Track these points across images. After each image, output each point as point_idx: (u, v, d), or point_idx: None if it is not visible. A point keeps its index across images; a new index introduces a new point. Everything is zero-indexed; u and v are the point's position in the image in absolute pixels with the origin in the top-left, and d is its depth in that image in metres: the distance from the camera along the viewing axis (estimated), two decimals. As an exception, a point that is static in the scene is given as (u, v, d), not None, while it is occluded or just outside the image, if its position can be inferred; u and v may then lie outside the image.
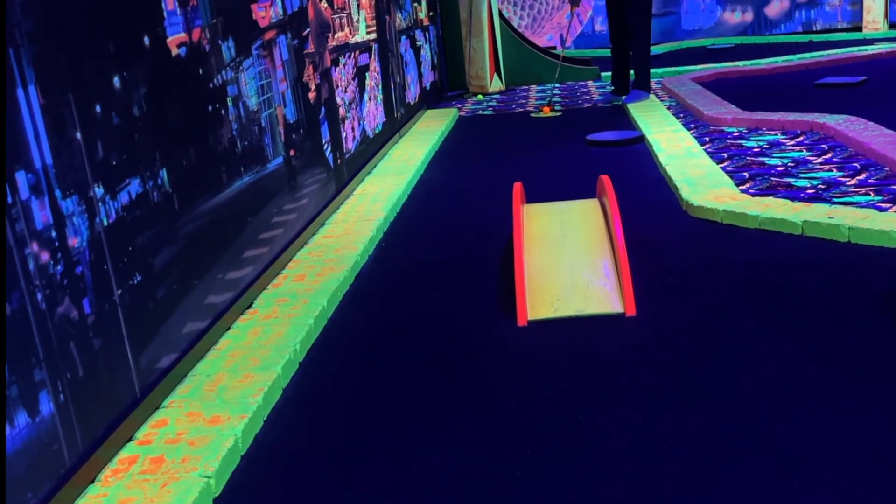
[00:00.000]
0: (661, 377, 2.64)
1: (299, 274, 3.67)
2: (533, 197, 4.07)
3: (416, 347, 3.04)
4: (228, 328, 3.13)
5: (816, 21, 12.65)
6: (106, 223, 2.40)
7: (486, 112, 8.23)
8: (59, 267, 2.17)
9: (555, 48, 11.49)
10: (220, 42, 3.29)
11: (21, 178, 2.04)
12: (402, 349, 3.04)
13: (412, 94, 7.64)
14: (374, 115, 6.01)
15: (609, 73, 8.19)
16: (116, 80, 2.51)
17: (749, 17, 12.82)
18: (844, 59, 9.28)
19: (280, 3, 4.05)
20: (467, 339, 3.06)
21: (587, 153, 5.93)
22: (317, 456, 2.39)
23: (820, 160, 4.94)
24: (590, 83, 9.38)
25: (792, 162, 4.97)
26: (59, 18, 2.26)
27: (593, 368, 2.76)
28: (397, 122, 6.88)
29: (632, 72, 7.72)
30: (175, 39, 2.92)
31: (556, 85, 9.00)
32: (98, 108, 2.40)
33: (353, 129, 5.35)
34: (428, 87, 8.54)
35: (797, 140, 5.54)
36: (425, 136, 6.92)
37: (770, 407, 2.41)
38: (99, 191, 2.37)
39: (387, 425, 2.52)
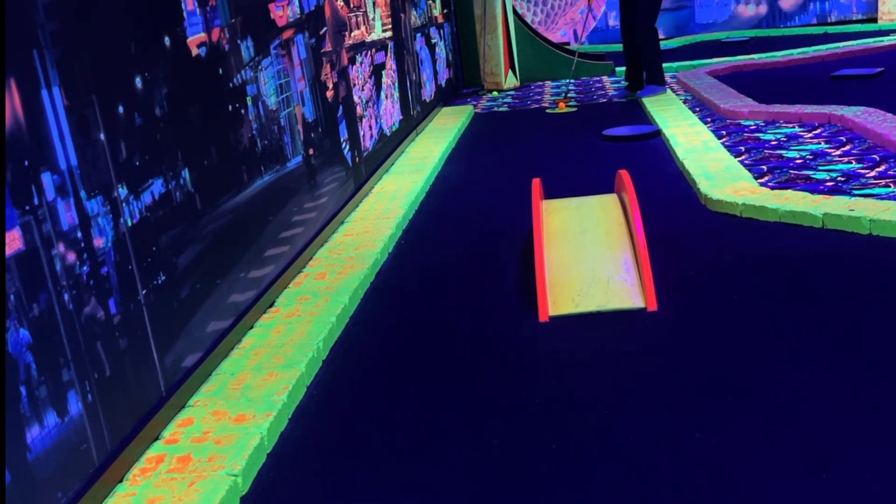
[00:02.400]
0: (683, 371, 2.64)
1: (320, 272, 3.68)
2: (551, 193, 4.07)
3: (438, 344, 3.04)
4: (251, 327, 3.14)
5: (831, 13, 12.60)
6: (130, 223, 2.41)
7: (501, 109, 8.23)
8: (85, 267, 2.18)
9: (568, 44, 11.47)
10: (238, 42, 3.30)
11: (47, 179, 2.05)
12: (423, 346, 3.04)
13: (428, 92, 7.65)
14: (390, 112, 6.02)
15: (623, 69, 8.18)
16: (138, 81, 2.52)
17: (763, 9, 12.78)
18: (860, 50, 9.23)
19: (297, 2, 4.06)
20: (489, 336, 3.06)
21: (604, 148, 5.92)
22: (342, 453, 2.40)
23: (838, 152, 4.92)
24: (604, 78, 9.36)
25: (810, 154, 4.95)
26: (81, 20, 2.27)
27: (616, 363, 2.76)
28: (414, 119, 6.88)
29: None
30: (195, 39, 2.93)
31: (571, 80, 8.99)
32: (121, 109, 2.41)
33: (370, 127, 5.36)
34: (443, 85, 8.54)
35: (815, 132, 5.51)
36: (442, 133, 6.92)
37: (794, 400, 2.40)
38: (123, 191, 2.39)
39: (411, 422, 2.53)
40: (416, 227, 4.50)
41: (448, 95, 8.80)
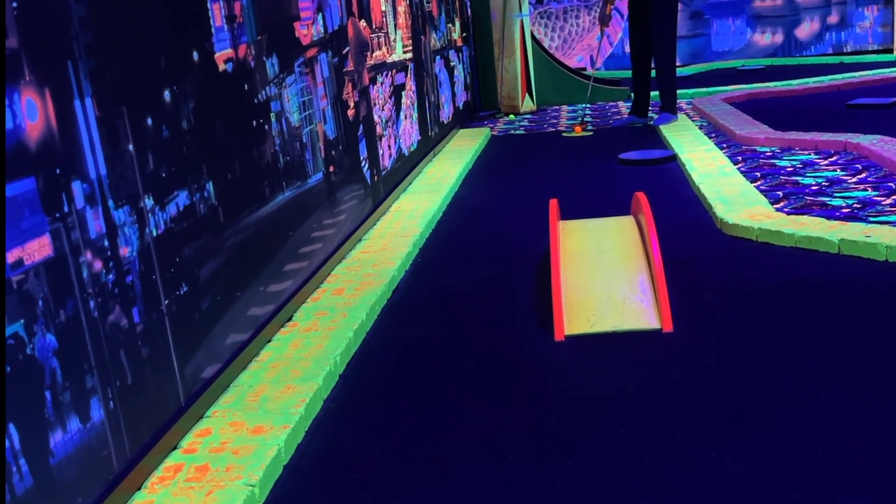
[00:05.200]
0: (699, 393, 2.65)
1: (338, 288, 3.71)
2: (567, 214, 4.08)
3: (453, 361, 3.06)
4: (269, 340, 3.16)
5: (847, 43, 12.63)
6: (155, 234, 2.44)
7: (518, 132, 8.27)
8: (110, 276, 2.21)
9: (584, 69, 11.53)
10: (264, 58, 3.35)
11: (77, 187, 2.09)
12: (440, 363, 3.06)
13: (446, 114, 7.70)
14: (409, 133, 6.06)
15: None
16: (167, 94, 2.56)
17: (779, 38, 12.82)
18: (876, 80, 9.26)
19: (321, 22, 4.11)
20: (505, 354, 3.08)
21: (619, 172, 5.95)
22: (357, 467, 2.41)
23: (854, 180, 4.94)
24: (620, 103, 9.41)
25: (826, 181, 4.96)
26: (114, 32, 2.32)
27: (631, 383, 2.77)
28: (431, 140, 6.93)
29: (653, 93, 7.76)
30: (222, 55, 2.97)
31: (587, 105, 9.04)
32: (149, 121, 2.45)
33: (389, 146, 5.41)
34: (461, 107, 8.59)
35: (831, 160, 5.53)
36: (459, 154, 6.96)
37: (810, 424, 2.40)
38: (149, 202, 2.42)
39: (426, 438, 2.54)
40: (432, 246, 4.53)
41: (465, 118, 8.85)
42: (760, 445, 2.31)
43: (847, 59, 11.75)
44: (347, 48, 4.56)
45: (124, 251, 2.28)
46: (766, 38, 12.89)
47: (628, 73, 10.82)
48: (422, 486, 2.28)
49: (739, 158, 5.84)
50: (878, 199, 4.46)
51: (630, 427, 2.48)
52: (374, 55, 5.16)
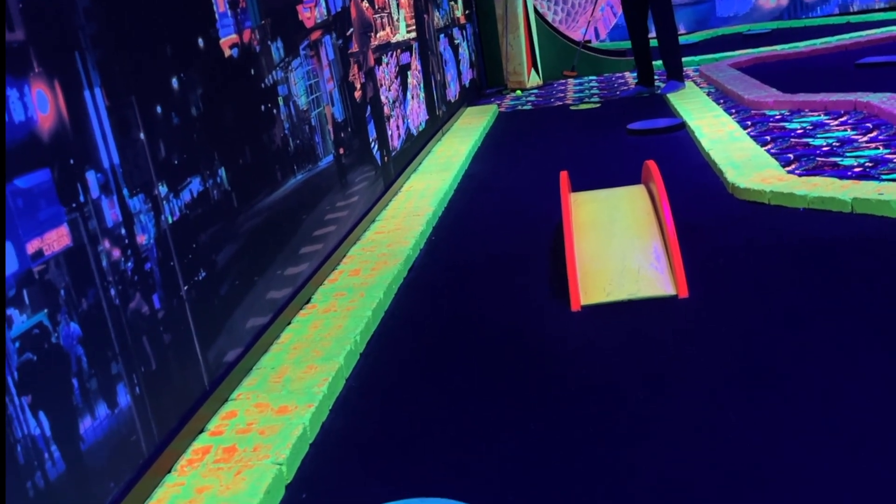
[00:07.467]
0: (717, 358, 2.66)
1: (354, 269, 3.73)
2: (578, 186, 4.09)
3: (472, 335, 3.08)
4: (289, 323, 3.19)
5: (853, 2, 12.54)
6: (171, 221, 2.47)
7: (525, 107, 8.26)
8: (129, 263, 2.24)
9: (589, 42, 11.49)
10: (269, 43, 3.36)
11: (91, 177, 2.11)
12: (458, 337, 3.08)
13: (452, 92, 7.70)
14: (417, 112, 6.07)
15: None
16: (174, 82, 2.58)
17: (784, 1, 12.74)
18: (884, 38, 9.19)
19: (324, 4, 4.12)
20: (522, 326, 3.10)
21: (629, 142, 5.94)
22: (382, 442, 2.44)
23: (865, 139, 4.92)
24: (626, 74, 9.38)
25: (837, 141, 4.95)
26: (118, 22, 2.33)
27: (649, 350, 2.78)
28: (439, 119, 6.94)
29: (657, 62, 7.75)
30: (227, 41, 2.99)
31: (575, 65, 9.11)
32: (159, 109, 2.46)
33: (397, 127, 5.42)
34: (467, 85, 8.58)
35: (841, 120, 5.51)
36: (467, 132, 6.97)
37: (829, 385, 2.40)
38: (163, 189, 2.44)
39: (448, 411, 2.56)
40: (445, 224, 4.55)
41: (472, 95, 8.85)
42: (781, 406, 2.32)
43: (854, 19, 11.67)
44: (351, 29, 4.56)
45: (141, 239, 2.30)
46: (771, 1, 12.81)
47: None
48: (444, 459, 2.30)
49: (749, 123, 5.83)
50: (890, 156, 4.45)
51: (650, 393, 2.49)
52: (378, 36, 5.16)
